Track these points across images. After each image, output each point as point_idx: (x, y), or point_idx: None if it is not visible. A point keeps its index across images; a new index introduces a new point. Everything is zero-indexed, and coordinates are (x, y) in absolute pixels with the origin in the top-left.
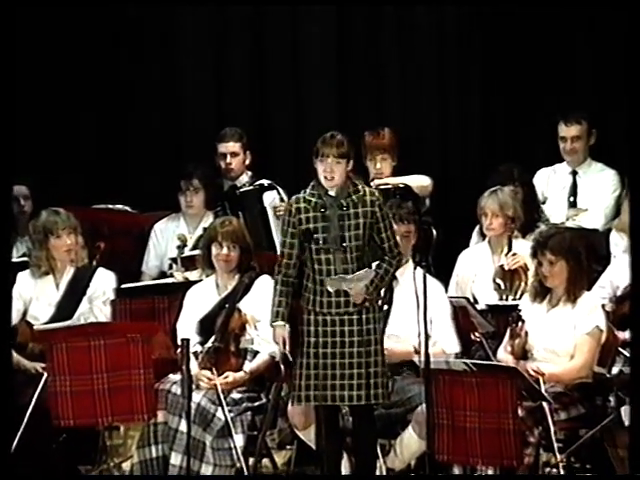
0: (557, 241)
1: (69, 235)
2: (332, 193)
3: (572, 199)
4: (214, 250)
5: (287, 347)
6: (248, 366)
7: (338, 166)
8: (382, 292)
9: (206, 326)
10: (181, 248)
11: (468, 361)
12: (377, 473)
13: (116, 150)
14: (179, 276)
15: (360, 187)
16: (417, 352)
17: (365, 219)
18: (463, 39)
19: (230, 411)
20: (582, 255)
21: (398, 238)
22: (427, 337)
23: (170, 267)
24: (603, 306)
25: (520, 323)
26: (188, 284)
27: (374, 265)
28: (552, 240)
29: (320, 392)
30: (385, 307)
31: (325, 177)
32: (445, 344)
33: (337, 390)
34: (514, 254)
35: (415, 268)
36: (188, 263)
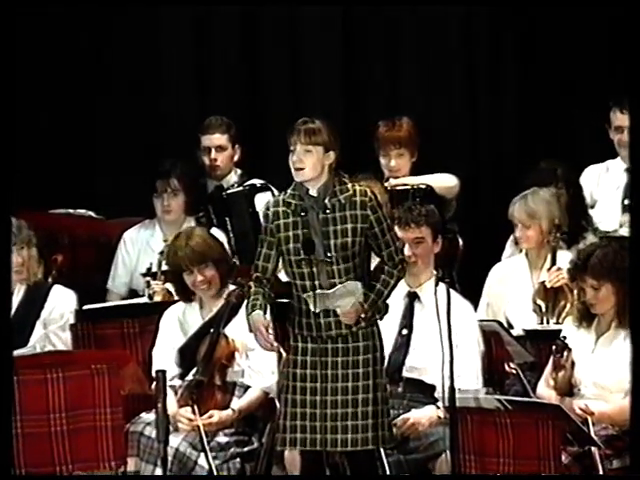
0: (597, 261)
1: (20, 250)
2: (313, 193)
3: (628, 202)
4: (187, 278)
5: (271, 337)
6: (237, 403)
7: (308, 155)
8: (385, 310)
9: (187, 355)
10: (164, 254)
11: (502, 397)
12: None
13: (78, 144)
14: (157, 287)
15: (350, 186)
16: (440, 418)
17: (355, 224)
18: (494, 16)
19: (215, 458)
20: None
21: (407, 246)
22: (452, 368)
23: (148, 272)
24: None
25: (565, 352)
26: (165, 305)
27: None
28: (591, 260)
29: (308, 435)
30: (405, 332)
31: (294, 169)
32: (462, 377)
33: (328, 433)
34: (558, 269)
35: (437, 284)
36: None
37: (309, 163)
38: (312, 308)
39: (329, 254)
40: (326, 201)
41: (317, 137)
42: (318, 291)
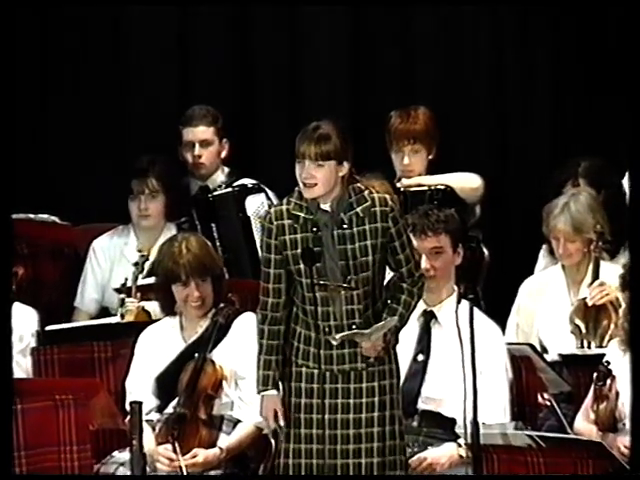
0: None
1: None
2: (326, 207)
3: None
4: (178, 291)
5: (280, 421)
6: (225, 440)
7: (320, 170)
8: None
9: (166, 385)
10: (140, 265)
11: (534, 433)
12: None
13: (40, 139)
14: (132, 305)
15: (367, 194)
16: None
17: (375, 239)
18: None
19: None
20: None
21: (424, 258)
22: (476, 399)
23: (123, 287)
24: None
25: (608, 381)
26: (141, 325)
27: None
28: None
29: (315, 474)
30: (420, 357)
31: (304, 184)
32: (488, 410)
33: (338, 471)
34: (601, 283)
35: (458, 302)
36: (145, 291)
37: (321, 179)
38: (333, 342)
39: (348, 277)
40: (342, 215)
41: (329, 147)
42: (356, 331)
